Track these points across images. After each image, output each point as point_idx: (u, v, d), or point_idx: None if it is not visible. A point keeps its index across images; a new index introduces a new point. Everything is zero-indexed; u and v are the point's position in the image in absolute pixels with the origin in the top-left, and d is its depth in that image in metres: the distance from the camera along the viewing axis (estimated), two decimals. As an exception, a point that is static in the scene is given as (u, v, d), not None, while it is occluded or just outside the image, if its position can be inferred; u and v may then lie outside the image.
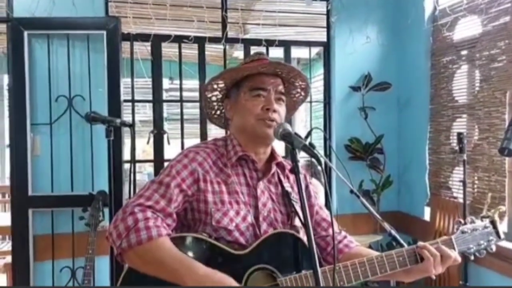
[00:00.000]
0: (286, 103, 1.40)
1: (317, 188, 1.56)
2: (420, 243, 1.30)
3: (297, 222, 1.34)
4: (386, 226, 1.59)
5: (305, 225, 1.10)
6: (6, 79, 4.51)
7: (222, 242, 1.23)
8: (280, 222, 1.33)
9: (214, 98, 1.44)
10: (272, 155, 1.41)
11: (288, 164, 1.43)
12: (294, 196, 1.36)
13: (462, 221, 1.39)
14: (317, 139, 3.95)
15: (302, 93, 1.48)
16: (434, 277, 1.55)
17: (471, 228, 1.38)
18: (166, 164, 3.28)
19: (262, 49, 3.18)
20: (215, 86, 1.40)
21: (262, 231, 1.29)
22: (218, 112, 1.48)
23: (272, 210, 1.33)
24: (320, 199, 1.53)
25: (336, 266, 1.21)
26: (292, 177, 1.43)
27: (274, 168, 1.39)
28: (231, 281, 1.13)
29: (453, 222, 2.76)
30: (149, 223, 1.14)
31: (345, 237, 1.46)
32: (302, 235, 1.29)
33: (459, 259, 1.30)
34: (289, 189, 1.39)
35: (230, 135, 1.39)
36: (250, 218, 1.28)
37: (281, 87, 1.37)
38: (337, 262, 1.34)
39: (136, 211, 1.16)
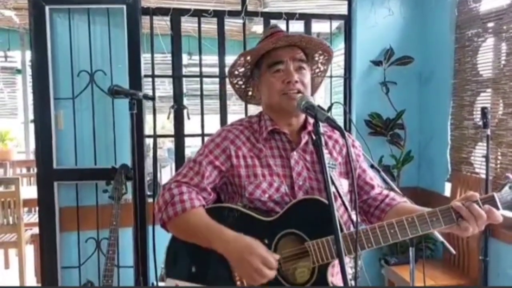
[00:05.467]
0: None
1: (360, 150, 1.54)
2: (456, 203, 1.21)
3: (334, 188, 1.32)
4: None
5: (327, 192, 1.13)
6: (28, 55, 4.57)
7: (258, 211, 1.30)
8: (316, 189, 1.34)
9: (240, 82, 1.48)
10: (305, 124, 1.42)
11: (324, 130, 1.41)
12: (331, 162, 1.35)
13: (511, 176, 1.27)
14: (337, 115, 3.92)
15: (322, 57, 1.47)
16: (454, 252, 1.53)
17: None
18: (185, 139, 3.29)
19: (282, 23, 3.13)
20: (236, 73, 1.44)
21: None
22: (250, 93, 1.52)
23: (307, 178, 1.35)
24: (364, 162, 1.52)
25: (363, 229, 1.23)
26: (330, 142, 1.44)
27: (306, 138, 1.39)
28: (258, 244, 1.19)
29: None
30: (184, 197, 1.27)
31: (387, 195, 1.45)
32: (340, 201, 1.31)
33: (500, 218, 1.20)
34: (326, 155, 1.34)
35: (262, 111, 1.44)
36: (284, 189, 1.32)
37: (299, 55, 1.36)
38: (380, 222, 1.33)
39: (173, 187, 1.31)
